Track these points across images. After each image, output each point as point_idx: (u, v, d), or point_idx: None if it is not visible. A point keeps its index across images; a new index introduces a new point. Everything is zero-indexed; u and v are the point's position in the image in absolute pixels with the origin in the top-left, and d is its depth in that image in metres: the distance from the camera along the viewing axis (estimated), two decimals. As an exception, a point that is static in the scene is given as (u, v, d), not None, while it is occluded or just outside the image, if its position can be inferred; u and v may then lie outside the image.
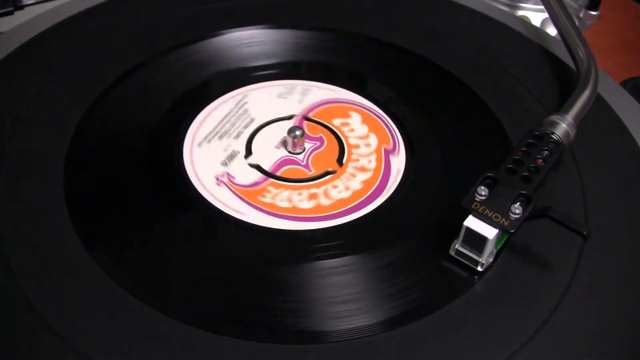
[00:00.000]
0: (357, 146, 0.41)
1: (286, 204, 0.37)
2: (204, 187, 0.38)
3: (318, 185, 0.38)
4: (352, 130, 0.42)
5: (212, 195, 0.37)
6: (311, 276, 0.33)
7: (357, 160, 0.40)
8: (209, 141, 0.41)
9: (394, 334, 0.30)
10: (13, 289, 0.30)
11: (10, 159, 0.37)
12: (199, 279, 0.33)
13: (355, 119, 0.43)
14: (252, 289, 0.32)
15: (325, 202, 0.37)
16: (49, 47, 0.44)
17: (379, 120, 0.43)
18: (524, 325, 0.31)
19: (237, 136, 0.41)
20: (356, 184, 0.39)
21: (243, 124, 0.42)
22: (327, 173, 0.39)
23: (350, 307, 0.32)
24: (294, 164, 0.40)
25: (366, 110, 0.44)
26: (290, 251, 0.35)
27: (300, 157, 0.40)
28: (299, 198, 0.38)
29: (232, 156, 0.40)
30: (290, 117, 0.43)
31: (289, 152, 0.40)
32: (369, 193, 0.38)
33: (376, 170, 0.40)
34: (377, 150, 0.41)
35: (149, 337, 0.29)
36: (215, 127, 0.42)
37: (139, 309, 0.30)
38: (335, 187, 0.38)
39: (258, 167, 0.39)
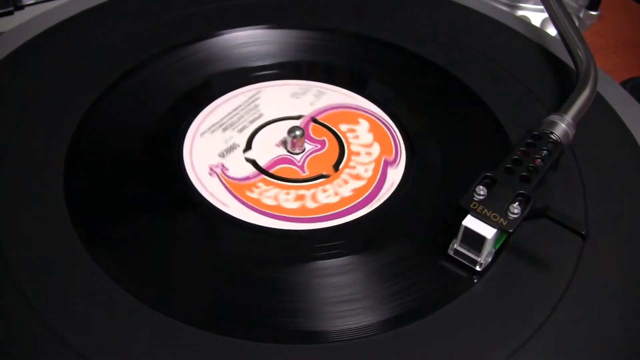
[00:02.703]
0: (358, 153, 0.41)
1: (271, 202, 0.37)
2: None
3: (308, 187, 0.38)
4: (357, 137, 0.42)
5: (203, 186, 0.38)
6: (311, 276, 0.33)
7: (354, 167, 0.40)
8: (213, 132, 0.41)
9: (394, 334, 0.30)
10: (13, 288, 0.30)
11: (11, 158, 0.37)
12: (198, 278, 0.33)
13: (362, 126, 0.43)
14: (252, 289, 0.32)
15: (311, 204, 0.37)
16: (49, 48, 0.44)
17: (387, 130, 0.43)
18: (523, 325, 0.31)
19: (241, 130, 0.41)
20: (346, 190, 0.38)
21: (250, 119, 0.42)
22: (320, 176, 0.39)
23: (350, 307, 0.32)
24: (290, 164, 0.40)
25: (376, 119, 0.43)
26: (290, 251, 0.35)
27: (298, 157, 0.40)
28: (286, 197, 0.37)
29: (231, 148, 0.40)
30: (298, 117, 0.43)
31: (288, 151, 0.40)
32: (356, 202, 0.38)
33: (370, 179, 0.39)
34: (377, 160, 0.40)
35: (149, 336, 0.29)
36: (222, 119, 0.42)
37: (139, 309, 0.30)
38: (325, 191, 0.38)
39: (254, 162, 0.39)
